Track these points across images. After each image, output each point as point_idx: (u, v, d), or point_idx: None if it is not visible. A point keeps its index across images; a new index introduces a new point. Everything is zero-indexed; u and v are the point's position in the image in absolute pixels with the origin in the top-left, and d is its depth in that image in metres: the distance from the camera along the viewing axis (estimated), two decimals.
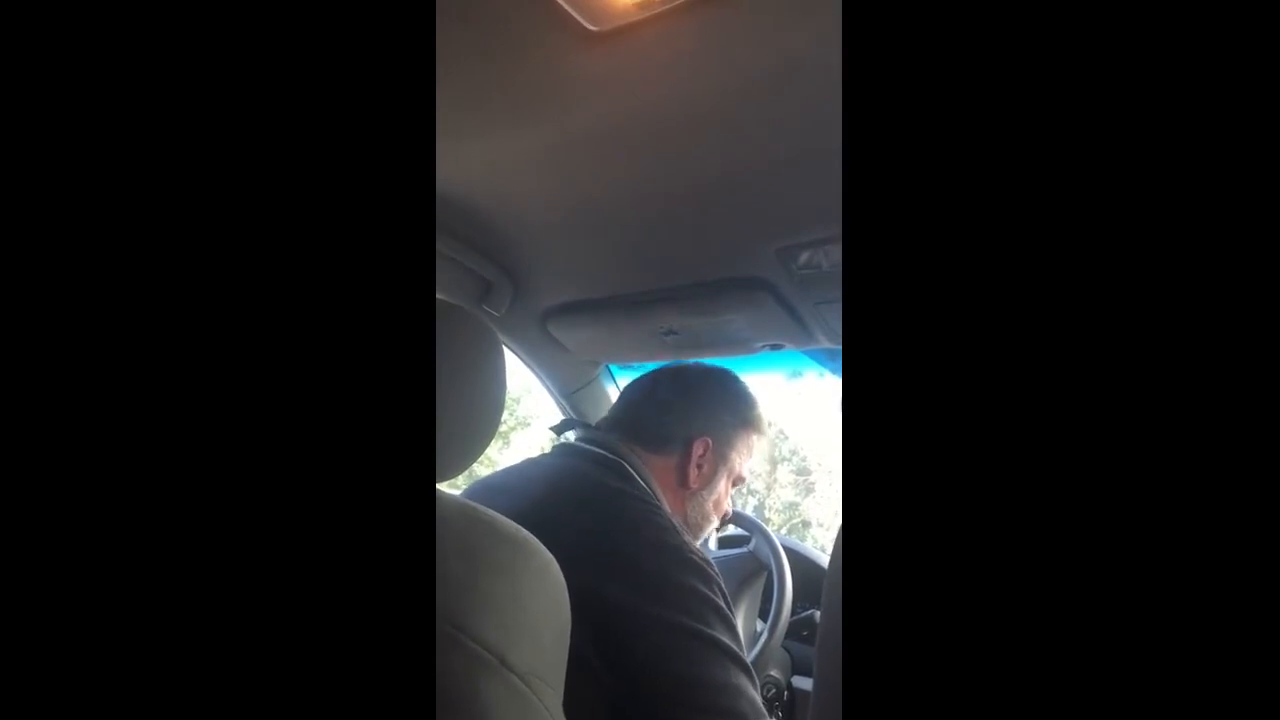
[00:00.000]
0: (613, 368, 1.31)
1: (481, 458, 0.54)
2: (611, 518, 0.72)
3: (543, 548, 0.46)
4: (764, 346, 1.02)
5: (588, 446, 0.84)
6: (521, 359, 1.18)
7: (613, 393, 1.32)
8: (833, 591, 0.48)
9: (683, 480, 0.86)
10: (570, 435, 0.91)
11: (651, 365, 1.26)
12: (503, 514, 0.47)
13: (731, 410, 0.90)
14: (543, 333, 1.08)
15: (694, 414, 0.87)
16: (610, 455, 0.81)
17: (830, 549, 0.56)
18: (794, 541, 1.28)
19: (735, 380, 0.94)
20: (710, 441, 0.87)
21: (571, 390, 1.25)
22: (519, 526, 0.46)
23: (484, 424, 0.52)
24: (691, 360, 1.01)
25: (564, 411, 1.28)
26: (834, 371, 1.21)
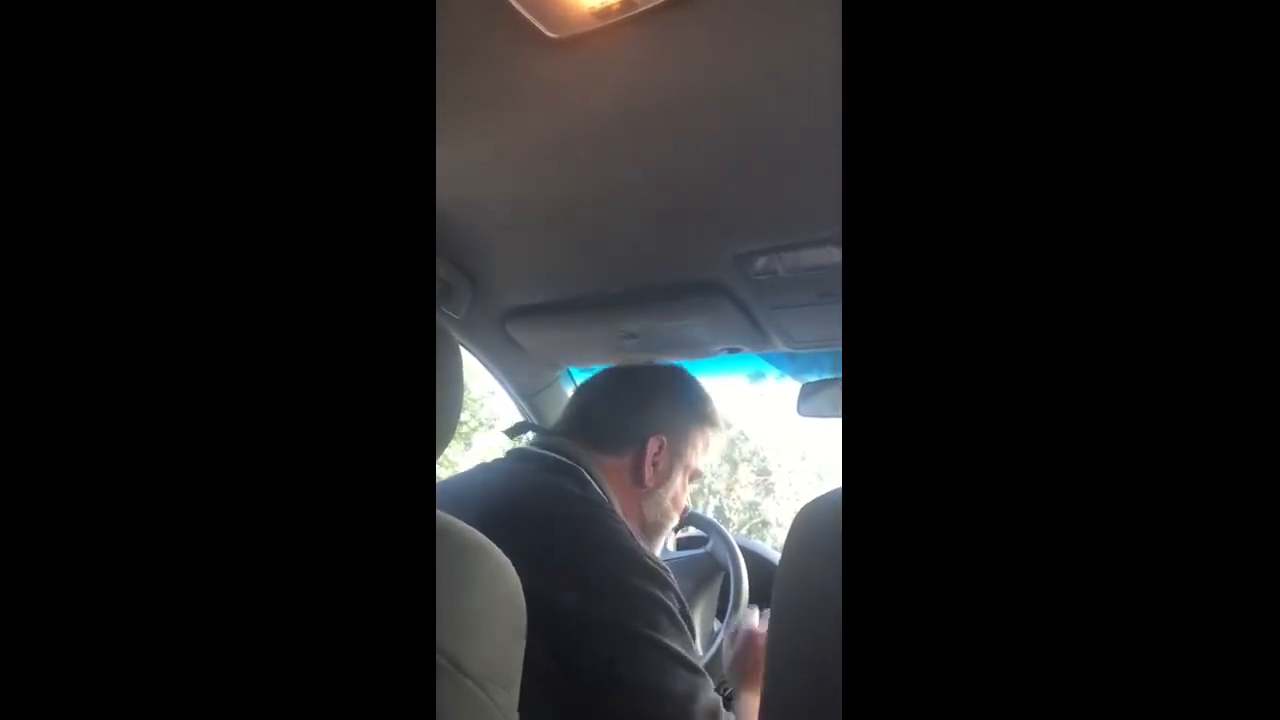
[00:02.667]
0: (573, 370, 1.31)
1: (442, 460, 0.54)
2: (563, 523, 0.72)
3: (497, 550, 0.46)
4: (722, 350, 1.03)
5: (541, 451, 0.83)
6: (481, 361, 1.17)
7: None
8: (781, 590, 0.49)
9: (638, 480, 0.85)
10: (524, 439, 0.91)
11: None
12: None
13: (685, 407, 0.90)
14: (502, 335, 1.08)
15: (647, 413, 0.87)
16: (563, 459, 0.81)
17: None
18: (751, 542, 1.29)
19: (688, 377, 0.94)
20: (665, 439, 0.87)
21: (531, 393, 1.25)
22: (472, 529, 0.46)
23: (440, 429, 0.51)
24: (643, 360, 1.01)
25: (524, 414, 1.27)
26: (792, 375, 1.23)
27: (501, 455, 0.90)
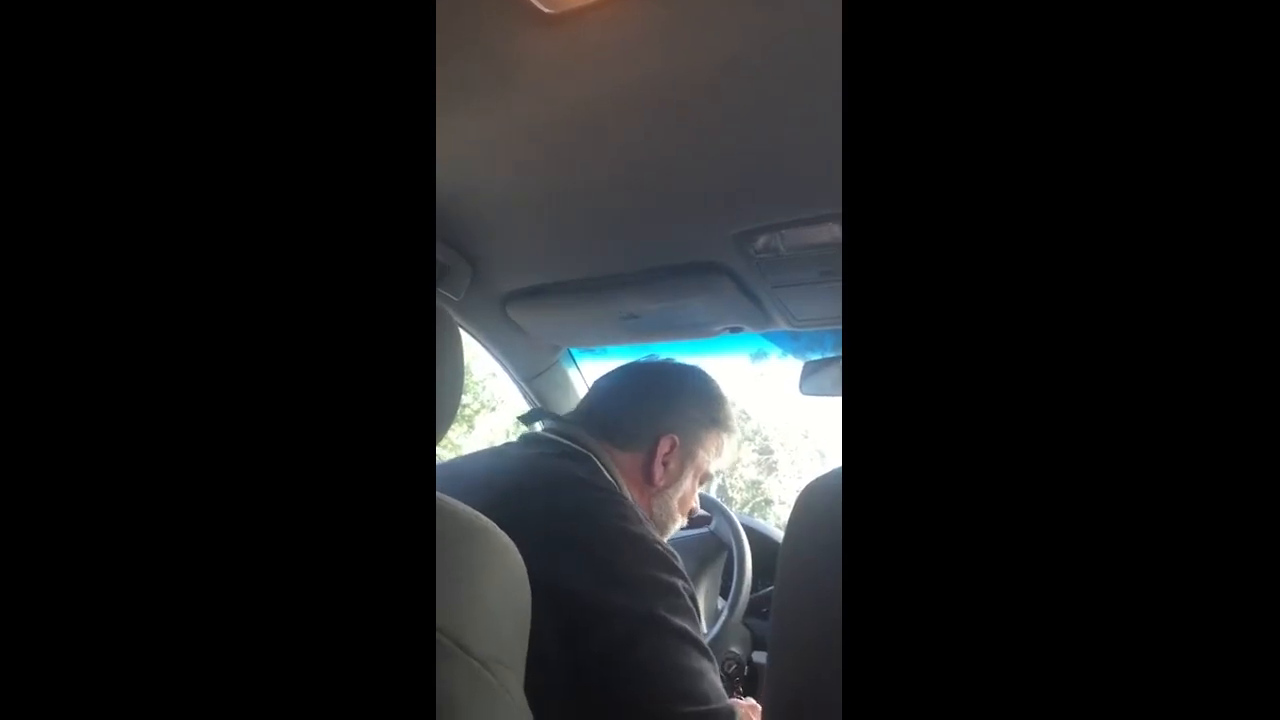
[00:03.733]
0: (574, 352, 1.30)
1: (444, 443, 0.54)
2: (573, 507, 0.72)
3: (500, 532, 0.46)
4: (723, 330, 1.03)
5: (554, 437, 0.83)
6: (481, 344, 1.17)
7: (574, 377, 1.32)
8: (785, 568, 0.49)
9: (648, 478, 0.85)
10: (538, 425, 0.91)
11: (613, 350, 1.26)
12: (464, 501, 0.47)
13: (700, 408, 0.89)
14: (502, 317, 1.08)
15: (661, 411, 0.87)
16: (577, 447, 0.81)
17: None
18: (754, 520, 1.30)
19: (706, 378, 0.93)
20: (677, 439, 0.86)
21: (533, 375, 1.25)
22: (476, 513, 0.46)
23: (441, 411, 0.51)
24: (663, 354, 1.01)
25: (526, 396, 1.27)
26: (794, 354, 1.23)
27: (505, 438, 0.90)
